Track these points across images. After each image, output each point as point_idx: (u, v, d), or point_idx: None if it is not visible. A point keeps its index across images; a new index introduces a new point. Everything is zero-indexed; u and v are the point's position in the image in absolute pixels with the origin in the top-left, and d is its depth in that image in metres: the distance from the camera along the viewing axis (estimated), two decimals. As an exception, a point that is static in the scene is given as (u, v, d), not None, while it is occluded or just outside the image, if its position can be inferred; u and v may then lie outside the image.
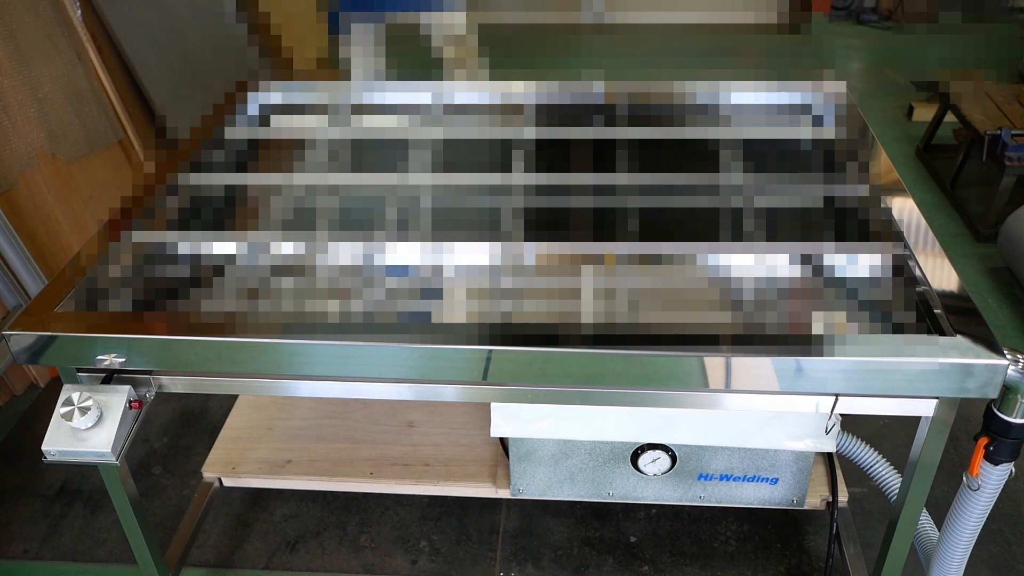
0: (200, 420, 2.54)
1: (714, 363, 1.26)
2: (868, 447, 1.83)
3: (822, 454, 2.00)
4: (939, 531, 1.58)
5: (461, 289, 1.48)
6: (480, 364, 1.30)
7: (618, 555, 2.08)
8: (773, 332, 1.35)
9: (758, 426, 1.71)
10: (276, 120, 2.15)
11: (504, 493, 1.95)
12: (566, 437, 1.78)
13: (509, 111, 2.15)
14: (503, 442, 2.02)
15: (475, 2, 5.13)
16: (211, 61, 3.44)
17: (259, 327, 1.33)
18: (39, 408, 2.62)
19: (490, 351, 1.28)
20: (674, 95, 2.17)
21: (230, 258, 1.58)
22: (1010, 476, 1.40)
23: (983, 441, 1.37)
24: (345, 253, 1.56)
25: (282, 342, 1.30)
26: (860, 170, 1.77)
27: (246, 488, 2.20)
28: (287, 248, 1.58)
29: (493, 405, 1.73)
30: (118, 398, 1.38)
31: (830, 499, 1.91)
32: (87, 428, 1.36)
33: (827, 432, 1.69)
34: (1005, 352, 1.23)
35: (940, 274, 1.41)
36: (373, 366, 1.32)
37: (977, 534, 1.51)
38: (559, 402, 1.45)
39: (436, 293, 1.48)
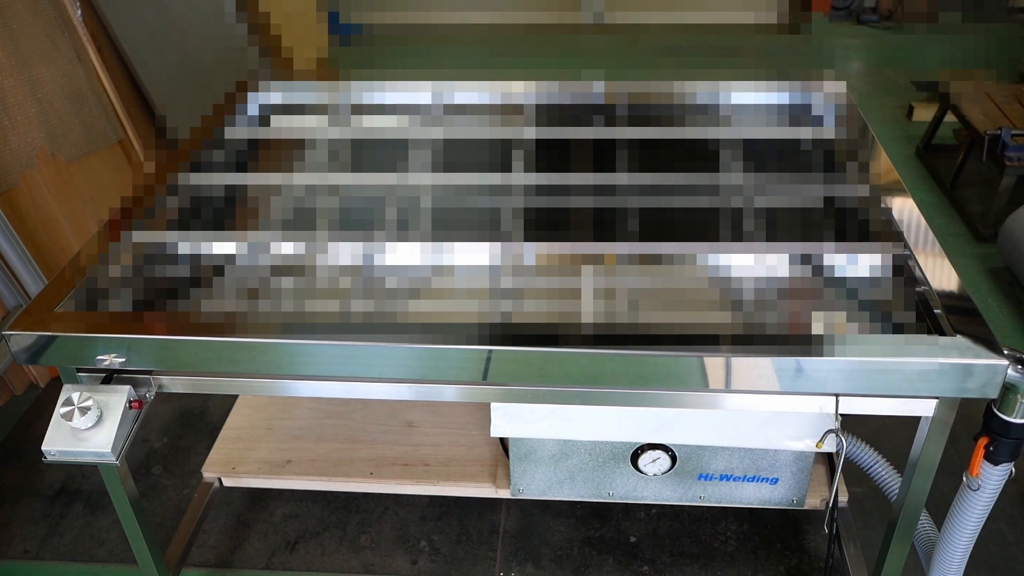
0: (200, 420, 2.53)
1: (714, 363, 1.26)
2: (868, 447, 1.83)
3: (822, 454, 2.00)
4: (939, 531, 1.58)
5: (461, 289, 1.48)
6: (480, 364, 1.30)
7: (618, 555, 2.08)
8: (773, 332, 1.35)
9: (758, 426, 1.71)
10: (276, 120, 2.15)
11: (504, 493, 1.95)
12: (566, 437, 1.78)
13: (509, 111, 2.15)
14: (503, 442, 2.02)
15: (476, 2, 5.13)
16: (211, 61, 3.44)
17: (259, 327, 1.33)
18: (39, 408, 2.62)
19: (490, 351, 1.28)
20: (674, 95, 2.17)
21: (230, 258, 1.58)
22: (1010, 476, 1.40)
23: (983, 441, 1.37)
24: (345, 253, 1.56)
25: (282, 342, 1.30)
26: (860, 170, 1.77)
27: (246, 488, 2.20)
28: (287, 248, 1.58)
29: (493, 405, 1.73)
30: (118, 398, 1.38)
31: (830, 499, 1.91)
32: (87, 428, 1.36)
33: (835, 433, 1.68)
34: (1005, 352, 1.23)
35: (940, 274, 1.41)
36: (373, 366, 1.32)
37: (977, 534, 1.51)
38: (559, 402, 1.45)
39: (436, 293, 1.48)
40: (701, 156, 1.91)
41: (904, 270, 1.46)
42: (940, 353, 1.23)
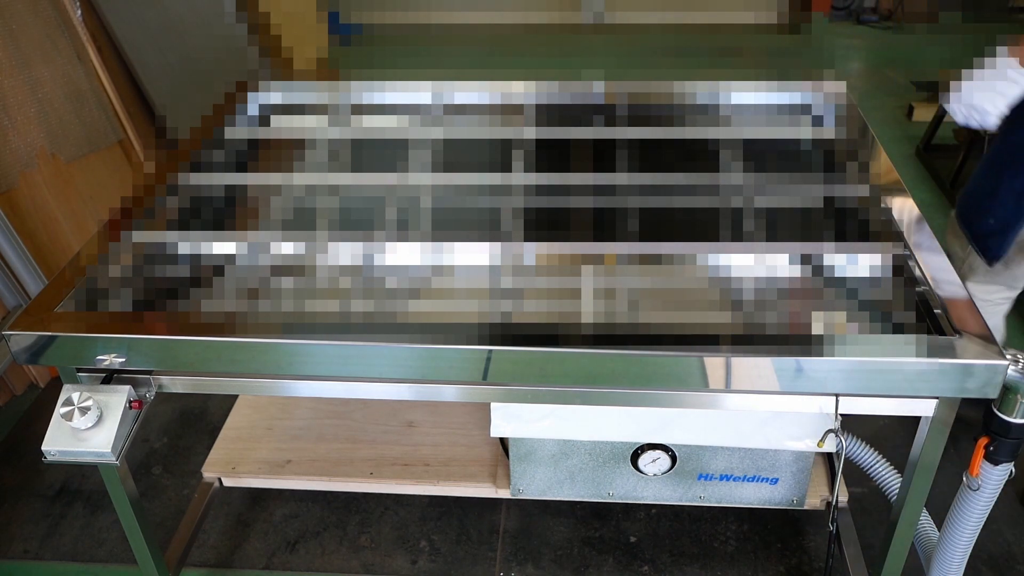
0: (200, 420, 2.53)
1: (714, 363, 1.26)
2: (868, 447, 1.83)
3: (822, 454, 2.00)
4: (939, 531, 1.58)
5: (461, 289, 1.48)
6: (480, 364, 1.30)
7: (618, 555, 2.08)
8: (773, 332, 1.35)
9: (758, 426, 1.71)
10: (276, 120, 2.15)
11: (504, 493, 1.95)
12: (566, 437, 1.78)
13: (509, 111, 2.15)
14: (503, 442, 2.02)
15: (476, 2, 5.13)
16: (211, 61, 3.44)
17: (259, 327, 1.33)
18: (39, 408, 2.62)
19: (490, 351, 1.28)
20: (674, 95, 2.17)
21: (230, 258, 1.58)
22: (1010, 476, 1.40)
23: (983, 441, 1.37)
24: (345, 253, 1.56)
25: (282, 342, 1.30)
26: (860, 170, 1.77)
27: (246, 488, 2.20)
28: (287, 248, 1.58)
29: (493, 405, 1.73)
30: (118, 398, 1.38)
31: (830, 499, 1.91)
32: (87, 428, 1.36)
33: (835, 434, 1.68)
34: (1005, 352, 1.23)
35: (940, 274, 1.41)
36: (373, 366, 1.32)
37: (977, 534, 1.51)
38: (559, 402, 1.45)
39: (436, 293, 1.48)
40: (701, 156, 1.91)
41: (904, 270, 1.46)
42: (940, 353, 1.23)
